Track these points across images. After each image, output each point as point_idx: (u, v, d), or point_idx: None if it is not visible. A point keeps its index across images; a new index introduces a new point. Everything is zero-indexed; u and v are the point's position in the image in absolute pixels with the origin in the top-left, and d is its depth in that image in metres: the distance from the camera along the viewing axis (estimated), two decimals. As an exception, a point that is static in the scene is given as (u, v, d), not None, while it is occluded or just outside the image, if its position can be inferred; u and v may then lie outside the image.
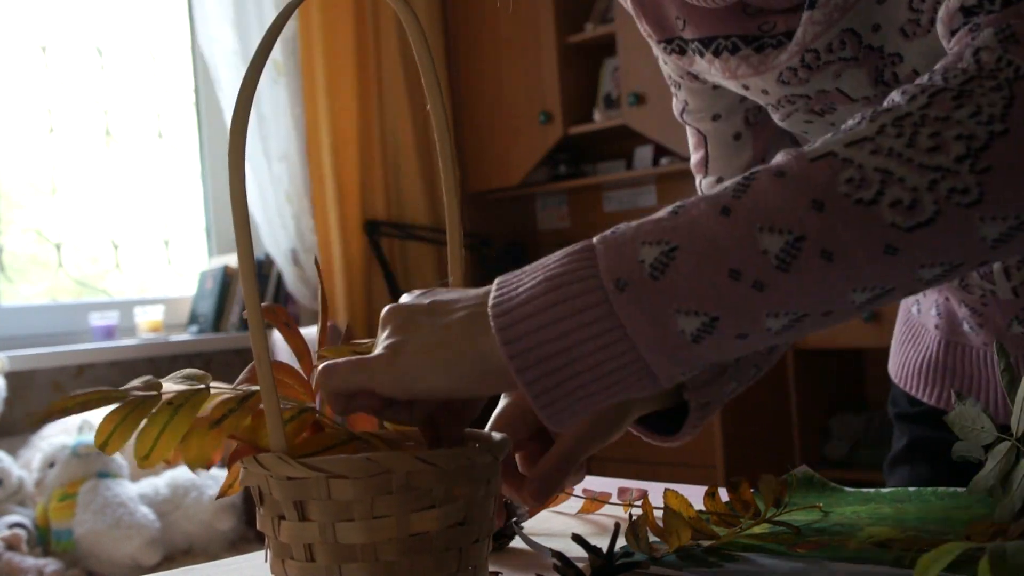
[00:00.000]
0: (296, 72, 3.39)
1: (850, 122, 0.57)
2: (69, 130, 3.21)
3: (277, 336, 3.11)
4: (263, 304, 0.62)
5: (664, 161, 3.38)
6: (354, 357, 0.57)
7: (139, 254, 3.37)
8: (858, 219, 0.52)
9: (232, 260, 3.33)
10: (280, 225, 3.33)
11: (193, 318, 3.33)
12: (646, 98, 3.26)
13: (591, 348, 0.53)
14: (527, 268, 0.57)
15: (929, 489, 0.83)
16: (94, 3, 3.27)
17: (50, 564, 2.28)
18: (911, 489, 0.84)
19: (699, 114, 0.96)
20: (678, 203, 0.56)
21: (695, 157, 0.98)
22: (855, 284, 0.53)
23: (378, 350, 0.57)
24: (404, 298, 0.61)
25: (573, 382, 0.53)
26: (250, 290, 0.55)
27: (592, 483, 1.04)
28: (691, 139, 0.98)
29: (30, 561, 2.27)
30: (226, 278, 3.30)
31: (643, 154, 3.49)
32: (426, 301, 0.58)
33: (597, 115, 3.48)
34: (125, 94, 3.33)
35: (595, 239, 0.55)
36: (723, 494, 0.86)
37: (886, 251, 0.52)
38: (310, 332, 2.10)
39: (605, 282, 0.53)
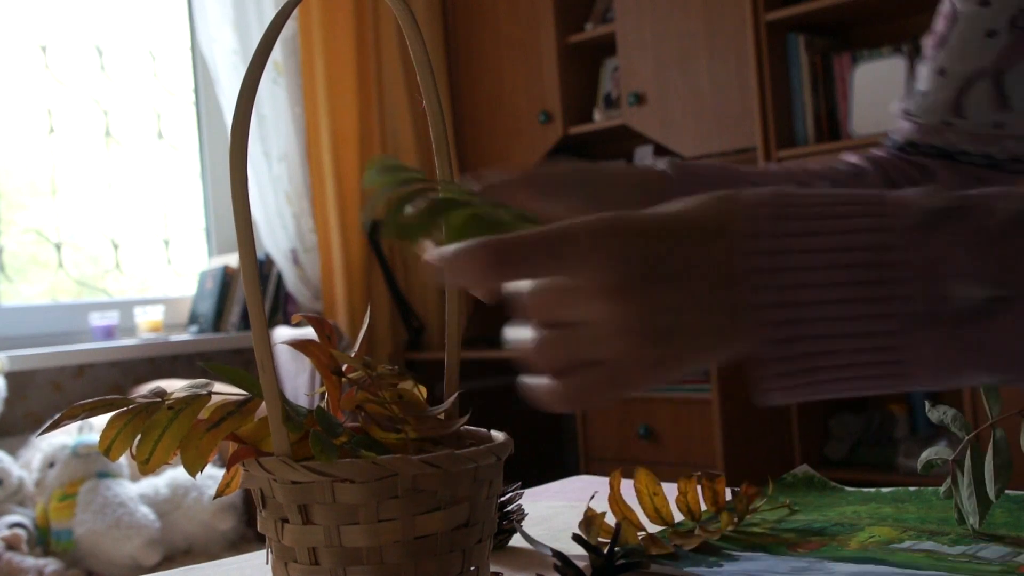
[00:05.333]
0: (296, 72, 3.39)
1: None
2: (69, 130, 3.21)
3: (278, 336, 3.11)
4: (309, 315, 0.62)
5: (664, 161, 3.37)
6: (602, 375, 0.47)
7: (139, 254, 3.37)
8: None
9: (232, 260, 3.33)
10: (280, 225, 3.33)
11: (193, 318, 3.34)
12: (646, 98, 3.26)
13: (859, 369, 0.46)
14: (807, 218, 0.46)
15: (930, 489, 0.83)
16: (94, 3, 3.27)
17: (50, 564, 2.28)
18: (911, 489, 0.84)
19: None
20: (1012, 205, 0.45)
21: (934, 31, 0.87)
22: None
23: (622, 363, 0.47)
24: (628, 266, 0.47)
25: (816, 387, 0.47)
26: (252, 290, 0.55)
27: (592, 483, 1.04)
28: (943, 8, 0.86)
29: (30, 561, 2.27)
30: (226, 278, 3.30)
31: (643, 154, 3.49)
32: (660, 268, 0.46)
33: (597, 115, 3.49)
34: (125, 94, 3.33)
35: (905, 222, 0.45)
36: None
37: None
38: (309, 332, 2.09)
39: (905, 307, 0.44)
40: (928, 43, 0.88)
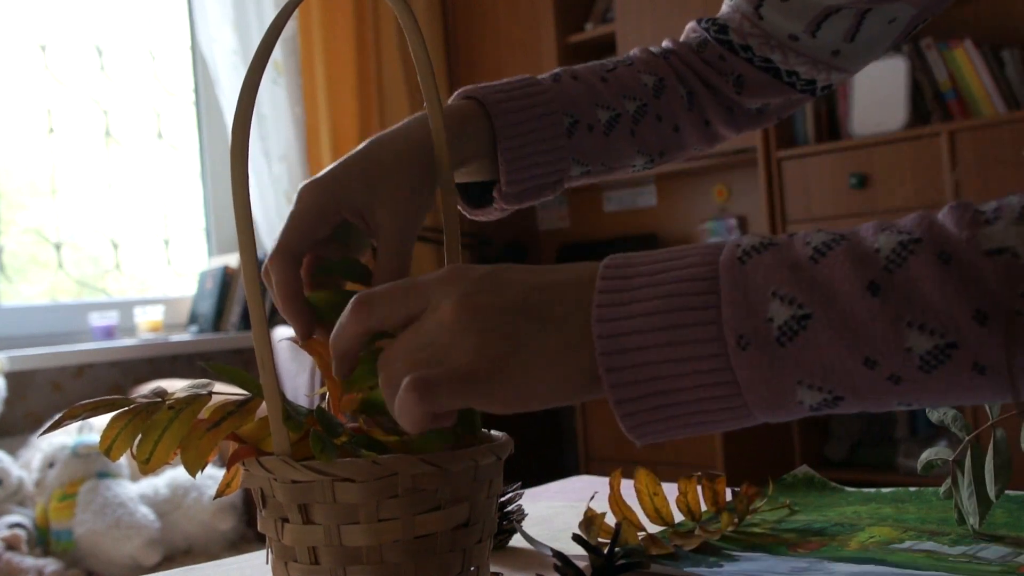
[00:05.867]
0: (296, 72, 3.39)
1: None
2: (69, 130, 3.21)
3: (278, 336, 3.10)
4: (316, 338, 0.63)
5: (664, 161, 3.37)
6: (446, 370, 0.51)
7: (139, 254, 3.37)
8: None
9: (232, 260, 3.33)
10: (280, 225, 3.33)
11: (193, 318, 3.34)
12: (646, 98, 3.26)
13: (699, 396, 0.49)
14: (642, 266, 0.51)
15: (930, 489, 0.83)
16: (94, 3, 3.27)
17: (50, 564, 2.28)
18: (911, 489, 0.84)
19: None
20: (821, 238, 0.49)
21: None
22: (1004, 395, 0.48)
23: (470, 363, 0.51)
24: (467, 282, 0.53)
25: (672, 421, 0.51)
26: (252, 290, 0.55)
27: (592, 483, 1.04)
28: None
29: (30, 561, 2.27)
30: (226, 278, 3.30)
31: (643, 154, 3.49)
32: (512, 294, 0.52)
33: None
34: (125, 94, 3.33)
35: (723, 261, 0.50)
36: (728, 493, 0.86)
37: None
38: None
39: (727, 334, 0.48)
40: None
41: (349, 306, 0.54)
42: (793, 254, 0.49)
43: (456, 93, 0.79)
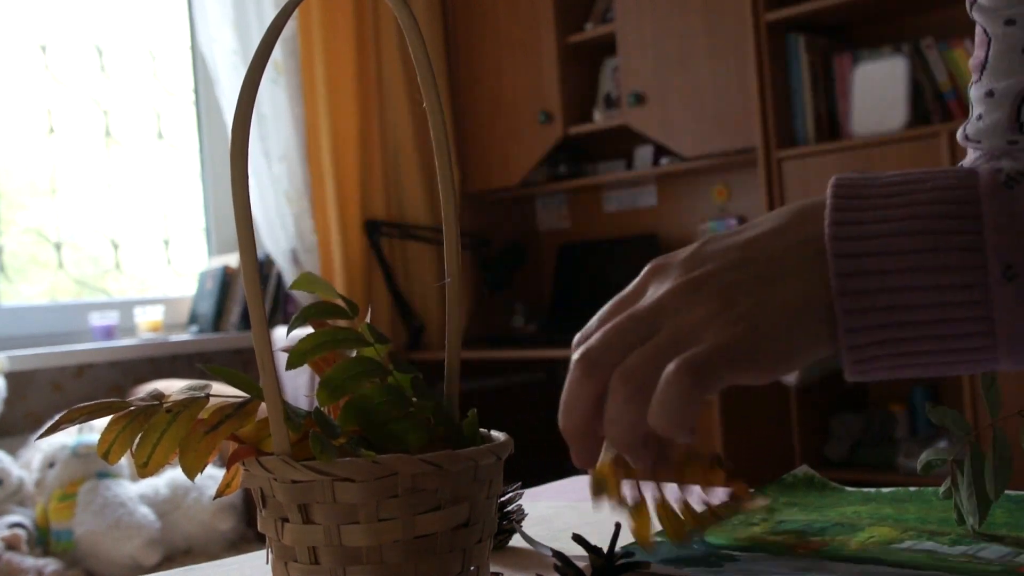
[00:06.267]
0: (296, 72, 3.39)
1: None
2: (69, 130, 3.21)
3: (278, 336, 3.11)
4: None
5: (664, 161, 3.38)
6: (704, 349, 0.44)
7: (139, 254, 3.37)
8: None
9: (232, 260, 3.33)
10: (280, 225, 3.33)
11: (193, 318, 3.34)
12: (646, 98, 3.26)
13: (944, 331, 0.44)
14: (880, 186, 0.46)
15: (930, 489, 0.83)
16: (94, 3, 3.27)
17: (50, 564, 2.28)
18: (911, 489, 0.84)
19: (992, 13, 0.81)
20: None
21: (974, 58, 0.85)
22: None
23: (718, 336, 0.45)
24: (676, 263, 0.48)
25: (906, 358, 0.45)
26: (252, 290, 0.55)
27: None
28: (977, 37, 0.84)
29: (30, 561, 2.27)
30: (226, 278, 3.30)
31: (643, 154, 3.49)
32: (728, 255, 0.47)
33: (597, 115, 3.49)
34: (125, 94, 3.33)
35: (985, 184, 0.44)
36: (722, 493, 0.86)
37: None
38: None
39: (991, 262, 0.43)
40: (973, 72, 0.84)
41: (579, 376, 0.47)
42: None
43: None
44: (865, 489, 0.87)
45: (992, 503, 0.72)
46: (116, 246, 3.31)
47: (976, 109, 0.84)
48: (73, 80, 3.22)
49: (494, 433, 0.62)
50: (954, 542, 0.71)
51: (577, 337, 0.49)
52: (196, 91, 3.50)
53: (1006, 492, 0.73)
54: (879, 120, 2.86)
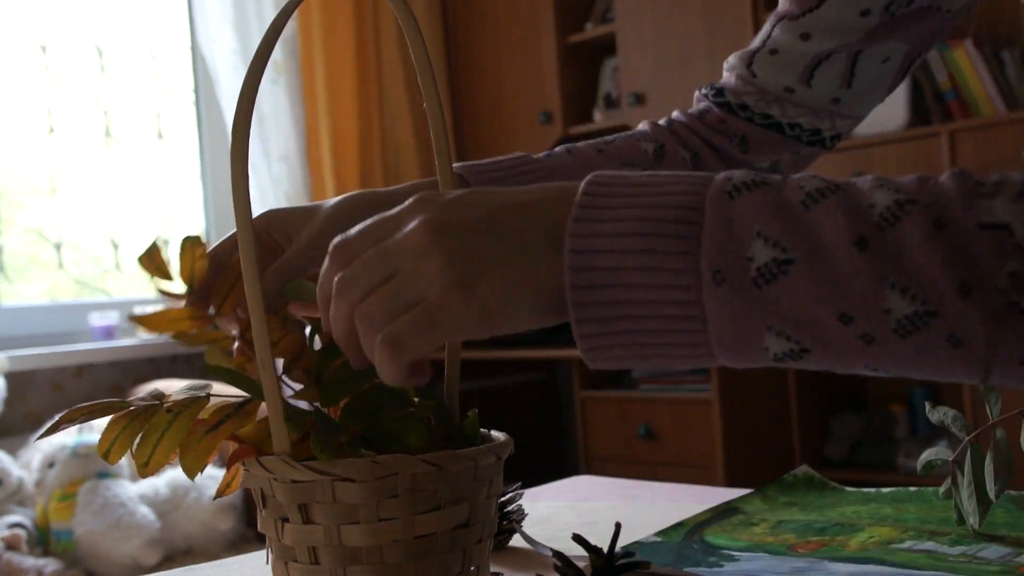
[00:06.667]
0: (296, 72, 3.39)
1: None
2: (69, 130, 3.21)
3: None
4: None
5: (664, 161, 3.38)
6: (411, 316, 0.50)
7: (139, 254, 3.37)
8: (1009, 323, 0.45)
9: (232, 260, 3.33)
10: (280, 225, 3.33)
11: (193, 318, 3.33)
12: (646, 98, 3.26)
13: (663, 327, 0.48)
14: (627, 186, 0.50)
15: (930, 489, 0.83)
16: (94, 3, 3.27)
17: (50, 564, 2.28)
18: (911, 489, 0.84)
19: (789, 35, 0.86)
20: (816, 184, 0.48)
21: (755, 41, 0.89)
22: (971, 373, 0.47)
23: (435, 295, 0.50)
24: (437, 203, 0.52)
25: (632, 349, 0.49)
26: (252, 290, 0.55)
27: (591, 483, 1.04)
28: (766, 27, 0.89)
29: (30, 561, 2.27)
30: (226, 278, 3.30)
31: (643, 154, 3.49)
32: (479, 212, 0.51)
33: (597, 115, 3.49)
34: (125, 94, 3.33)
35: (712, 192, 0.48)
36: (722, 494, 0.86)
37: (1021, 362, 0.45)
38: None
39: (704, 266, 0.47)
40: (790, 1, 0.86)
41: (335, 296, 0.53)
42: (784, 196, 0.48)
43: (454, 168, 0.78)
44: (865, 489, 0.87)
45: (992, 503, 0.72)
46: (116, 246, 3.31)
47: (774, 43, 0.86)
48: (73, 80, 3.22)
49: (494, 433, 0.62)
50: (954, 542, 0.71)
51: (338, 239, 0.54)
52: (196, 91, 3.49)
53: (1006, 492, 0.73)
54: (879, 120, 2.86)
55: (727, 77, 0.90)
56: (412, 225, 0.51)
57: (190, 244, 0.62)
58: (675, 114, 0.91)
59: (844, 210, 0.47)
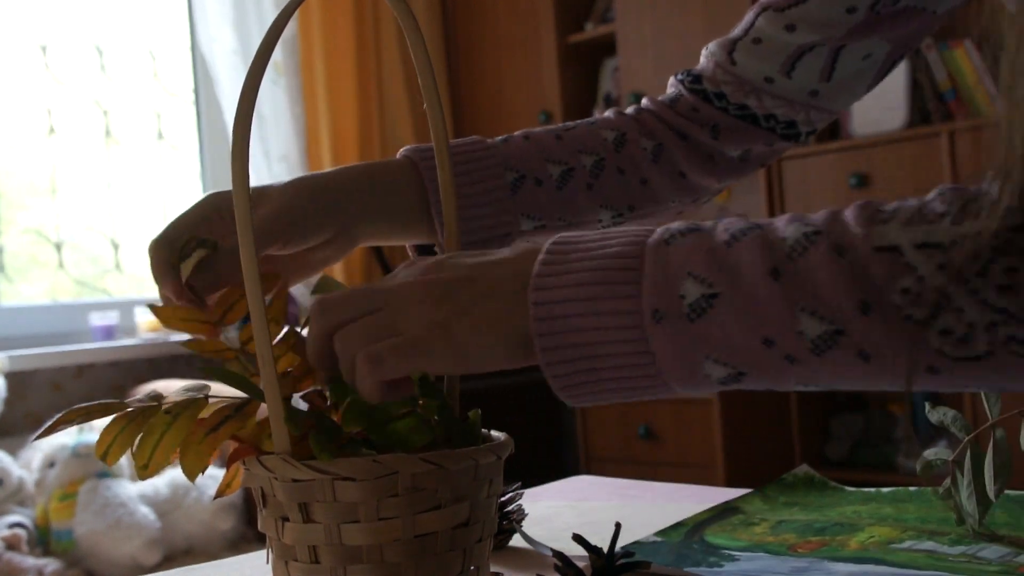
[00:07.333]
0: (296, 72, 3.39)
1: (936, 203, 0.51)
2: (69, 130, 3.21)
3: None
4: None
5: (664, 161, 3.38)
6: (394, 341, 0.55)
7: (139, 254, 3.37)
8: (903, 335, 0.49)
9: (232, 260, 3.33)
10: (280, 225, 3.33)
11: (193, 318, 3.33)
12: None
13: (620, 363, 0.53)
14: (582, 243, 0.56)
15: (930, 489, 0.83)
16: (94, 3, 3.27)
17: (50, 564, 2.28)
18: (911, 489, 0.84)
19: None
20: (740, 225, 0.54)
21: (736, 29, 0.89)
22: (890, 382, 0.51)
23: (417, 330, 0.56)
24: (425, 264, 0.59)
25: (598, 386, 0.54)
26: (252, 290, 0.56)
27: (591, 483, 1.04)
28: (749, 15, 0.89)
29: (30, 561, 2.27)
30: (226, 278, 3.29)
31: (643, 154, 3.49)
32: (459, 273, 0.57)
33: (597, 115, 3.48)
34: (125, 94, 3.33)
35: (651, 241, 0.54)
36: (722, 494, 0.86)
37: (928, 370, 0.50)
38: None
39: (644, 307, 0.52)
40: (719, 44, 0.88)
41: (314, 315, 0.58)
42: (712, 239, 0.53)
43: (400, 151, 0.80)
44: (865, 489, 0.87)
45: (992, 503, 0.72)
46: (116, 246, 3.31)
47: (757, 32, 0.86)
48: (73, 80, 3.22)
49: (494, 433, 0.62)
50: (954, 542, 0.71)
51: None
52: (196, 91, 3.49)
53: (1006, 492, 0.73)
54: (879, 120, 2.86)
55: (705, 64, 0.89)
56: (400, 278, 0.58)
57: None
58: (644, 101, 0.90)
59: (761, 245, 0.52)
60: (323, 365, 0.58)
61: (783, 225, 0.53)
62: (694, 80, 0.89)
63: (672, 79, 0.91)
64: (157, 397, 0.59)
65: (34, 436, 0.59)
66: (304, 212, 0.72)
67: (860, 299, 0.49)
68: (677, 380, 0.53)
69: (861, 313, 0.49)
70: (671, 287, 0.52)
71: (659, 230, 0.55)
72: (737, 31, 0.88)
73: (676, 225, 0.55)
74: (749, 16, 0.87)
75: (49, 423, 0.57)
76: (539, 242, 0.58)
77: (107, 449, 0.57)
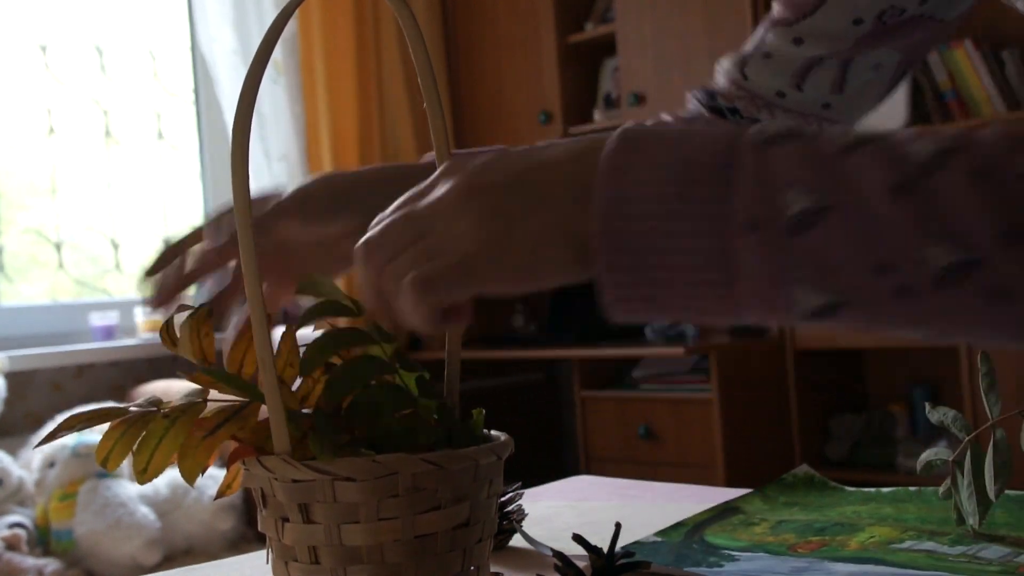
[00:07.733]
0: (296, 72, 3.39)
1: None
2: (69, 130, 3.21)
3: (278, 334, 3.12)
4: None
5: (664, 161, 3.37)
6: (442, 262, 0.50)
7: (139, 254, 3.37)
8: None
9: (232, 260, 3.33)
10: (280, 225, 3.33)
11: (193, 318, 3.33)
12: (646, 98, 3.26)
13: (691, 277, 0.47)
14: (658, 136, 0.49)
15: (930, 489, 0.83)
16: (94, 3, 3.27)
17: (50, 564, 2.28)
18: (911, 489, 0.84)
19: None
20: (855, 134, 0.46)
21: (748, 44, 0.88)
22: (1017, 332, 0.45)
23: (468, 246, 0.50)
24: (467, 168, 0.52)
25: (657, 301, 0.48)
26: (252, 290, 0.56)
27: (591, 483, 1.04)
28: (760, 31, 0.88)
29: (30, 561, 2.27)
30: (226, 278, 3.30)
31: (643, 154, 3.49)
32: (507, 173, 0.51)
33: (597, 115, 3.48)
34: (125, 94, 3.33)
35: (746, 141, 0.47)
36: (722, 494, 0.86)
37: None
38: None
39: (737, 214, 0.46)
40: (784, 7, 0.86)
41: (359, 261, 0.53)
42: (820, 146, 0.46)
43: (424, 157, 0.78)
44: (865, 489, 0.87)
45: (992, 503, 0.72)
46: (116, 246, 3.31)
47: (767, 47, 0.85)
48: (73, 80, 3.22)
49: (494, 433, 0.62)
50: (954, 542, 0.71)
51: (373, 222, 0.54)
52: (196, 91, 3.49)
53: (1006, 492, 0.73)
54: (879, 120, 2.86)
55: (719, 80, 0.90)
56: (442, 190, 0.52)
57: (195, 323, 0.62)
58: (664, 116, 0.91)
59: (884, 158, 0.45)
60: (383, 315, 0.53)
61: (907, 138, 0.46)
62: (709, 97, 0.90)
63: (689, 96, 0.92)
64: (156, 402, 0.59)
65: (36, 444, 0.59)
66: (319, 193, 0.73)
67: (1006, 226, 0.42)
68: (756, 304, 0.47)
69: (1006, 242, 0.42)
70: (772, 195, 0.45)
71: (752, 129, 0.48)
72: (748, 47, 0.88)
73: (772, 125, 0.48)
74: (759, 31, 0.88)
75: (50, 430, 0.58)
76: (599, 137, 0.51)
77: (107, 455, 0.57)
